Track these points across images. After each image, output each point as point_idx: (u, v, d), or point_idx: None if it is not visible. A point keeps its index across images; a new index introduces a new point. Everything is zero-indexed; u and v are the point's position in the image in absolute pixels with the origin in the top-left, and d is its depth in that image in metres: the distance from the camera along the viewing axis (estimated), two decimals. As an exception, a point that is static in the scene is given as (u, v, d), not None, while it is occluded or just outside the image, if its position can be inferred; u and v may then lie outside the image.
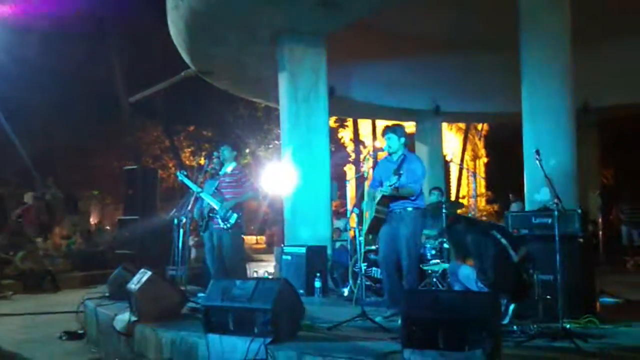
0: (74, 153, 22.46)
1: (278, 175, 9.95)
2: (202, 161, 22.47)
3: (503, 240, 4.69)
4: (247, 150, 22.98)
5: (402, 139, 5.63)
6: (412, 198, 5.45)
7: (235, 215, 6.67)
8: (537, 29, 7.55)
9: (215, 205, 6.73)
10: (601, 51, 11.22)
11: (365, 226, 5.64)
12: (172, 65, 13.30)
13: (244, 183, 6.89)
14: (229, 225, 6.65)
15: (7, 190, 16.77)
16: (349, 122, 25.24)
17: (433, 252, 6.81)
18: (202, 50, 10.22)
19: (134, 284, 5.55)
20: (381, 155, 6.42)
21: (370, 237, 6.22)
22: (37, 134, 19.69)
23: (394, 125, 5.86)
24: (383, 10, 9.12)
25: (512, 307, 4.63)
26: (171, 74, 13.37)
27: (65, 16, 18.06)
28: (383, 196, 5.39)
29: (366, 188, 5.77)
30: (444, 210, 7.26)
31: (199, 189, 6.89)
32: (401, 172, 5.38)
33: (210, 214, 6.85)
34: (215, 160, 7.21)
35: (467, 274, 4.82)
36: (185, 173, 7.10)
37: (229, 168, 7.02)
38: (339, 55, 9.85)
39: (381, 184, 5.47)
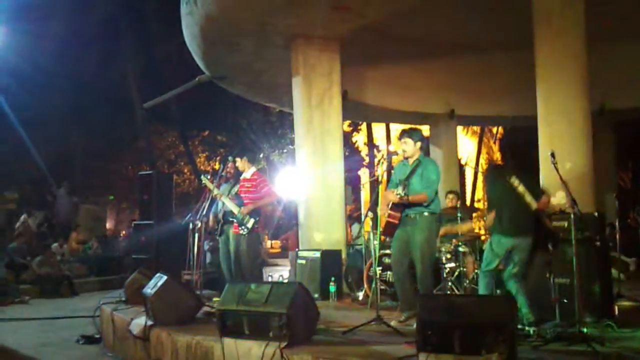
0: (89, 157, 22.62)
1: (292, 180, 9.97)
2: (217, 166, 22.58)
3: (520, 188, 4.68)
4: (261, 155, 23.04)
5: (418, 144, 5.61)
6: (426, 203, 5.43)
7: (252, 220, 6.68)
8: (552, 30, 7.46)
9: (235, 209, 6.74)
10: (617, 52, 11.07)
11: (379, 230, 5.62)
12: (187, 70, 13.38)
13: (262, 188, 6.90)
14: (247, 229, 6.67)
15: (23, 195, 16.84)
16: (363, 126, 25.21)
17: (448, 255, 6.78)
18: (217, 56, 10.26)
19: (149, 289, 5.59)
20: (395, 159, 6.41)
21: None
22: (52, 138, 19.81)
23: (410, 129, 5.85)
24: (396, 14, 9.10)
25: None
26: (185, 78, 13.44)
27: (80, 21, 18.23)
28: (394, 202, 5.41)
29: (381, 192, 5.76)
30: (459, 215, 7.24)
31: (221, 193, 6.94)
32: (413, 178, 5.39)
33: (229, 218, 6.87)
34: (229, 165, 7.25)
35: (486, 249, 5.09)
36: (208, 177, 7.11)
37: (248, 173, 7.04)
38: (352, 60, 9.85)
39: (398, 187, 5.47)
